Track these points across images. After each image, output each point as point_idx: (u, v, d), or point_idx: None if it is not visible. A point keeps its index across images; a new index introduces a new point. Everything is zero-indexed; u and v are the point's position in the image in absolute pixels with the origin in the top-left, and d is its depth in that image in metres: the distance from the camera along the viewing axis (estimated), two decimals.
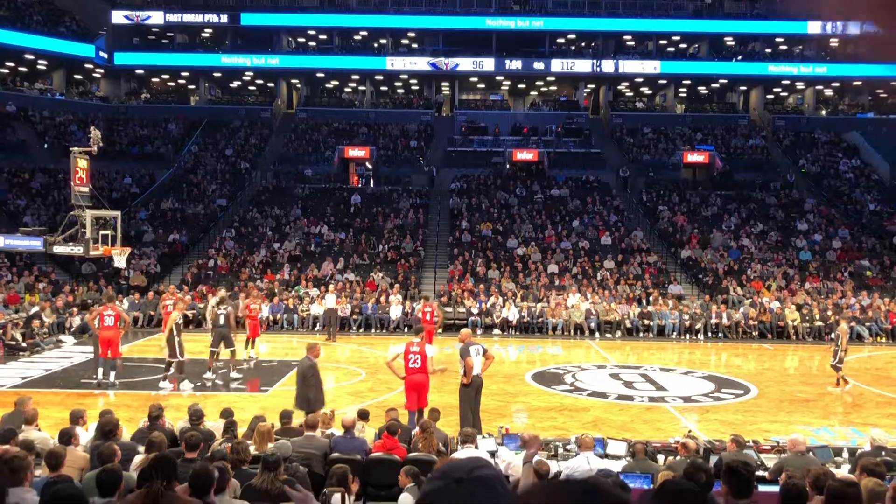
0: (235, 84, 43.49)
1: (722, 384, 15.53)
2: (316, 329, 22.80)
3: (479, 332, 22.88)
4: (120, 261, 15.35)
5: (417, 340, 10.51)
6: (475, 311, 23.37)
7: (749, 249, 28.84)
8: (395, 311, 23.17)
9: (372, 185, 35.90)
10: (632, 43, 42.13)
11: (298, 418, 8.74)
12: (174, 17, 40.28)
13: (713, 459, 7.34)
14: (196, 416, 7.96)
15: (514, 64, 40.52)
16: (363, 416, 8.55)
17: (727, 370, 17.79)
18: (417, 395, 10.31)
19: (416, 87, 43.43)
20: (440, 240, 30.21)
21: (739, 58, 41.25)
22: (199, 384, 14.21)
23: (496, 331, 23.11)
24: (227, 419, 8.18)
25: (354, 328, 23.06)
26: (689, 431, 9.66)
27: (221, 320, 14.78)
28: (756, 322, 23.15)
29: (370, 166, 37.88)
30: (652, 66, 40.64)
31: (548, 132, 39.65)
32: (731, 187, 34.40)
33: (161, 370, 14.99)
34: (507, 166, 36.73)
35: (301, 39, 42.56)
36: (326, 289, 22.82)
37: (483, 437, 8.31)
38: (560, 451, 8.28)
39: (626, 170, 35.49)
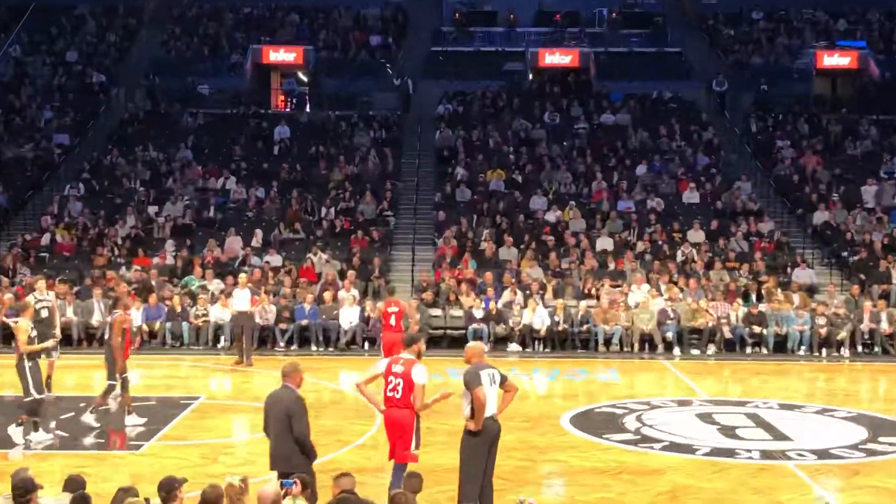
0: None
1: (879, 429, 15.57)
2: (220, 345, 22.69)
3: (486, 346, 22.82)
4: None
5: (405, 357, 10.64)
6: (479, 314, 23.34)
7: None
8: (349, 316, 23.09)
9: (308, 110, 35.63)
10: None
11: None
12: None
13: None
14: (23, 488, 7.92)
15: None
16: (303, 485, 8.49)
17: (888, 407, 17.74)
18: (397, 439, 10.47)
19: None
20: (421, 199, 30.07)
21: None
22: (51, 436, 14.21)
23: (513, 345, 23.12)
24: (74, 493, 8.13)
25: (282, 343, 23.00)
26: None
27: (106, 333, 14.93)
28: None
29: (305, 78, 37.65)
30: None
31: (595, 21, 39.40)
32: None
33: None
34: (530, 77, 36.52)
35: None
36: (235, 281, 22.71)
37: None
38: None
39: (724, 81, 35.38)
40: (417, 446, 10.52)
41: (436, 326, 23.55)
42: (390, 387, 10.43)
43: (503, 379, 10.40)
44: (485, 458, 10.20)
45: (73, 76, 36.06)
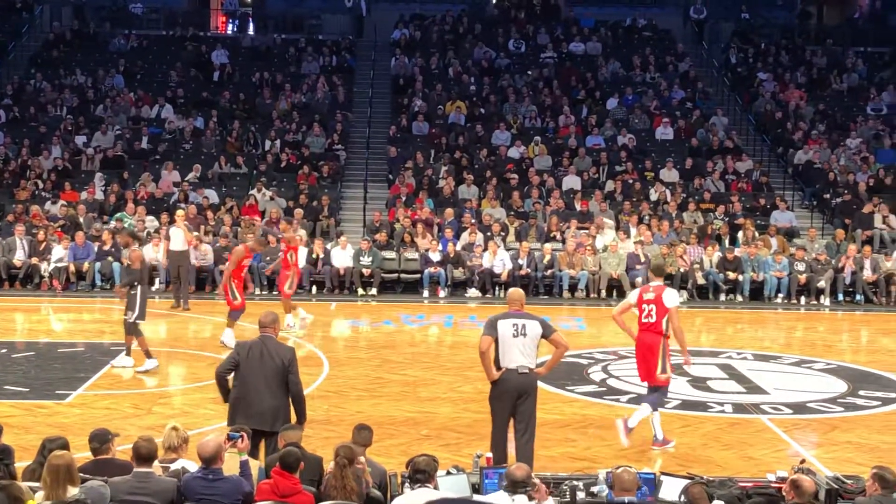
0: None
1: (860, 381, 15.74)
2: (155, 288, 22.45)
3: (442, 292, 23.04)
4: None
5: (654, 284, 12.08)
6: (436, 256, 23.41)
7: None
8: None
9: (252, 33, 35.20)
10: None
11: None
12: None
13: None
14: None
15: None
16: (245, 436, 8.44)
17: (870, 358, 17.94)
18: (645, 364, 11.93)
19: None
20: (374, 132, 29.97)
21: None
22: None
23: (472, 290, 23.25)
24: None
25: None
26: (803, 462, 9.57)
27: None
28: None
29: None
30: None
31: None
32: (887, 40, 34.45)
33: None
34: (494, 0, 36.32)
35: None
36: (171, 218, 22.60)
37: (450, 471, 8.41)
38: (580, 496, 8.32)
39: (702, 8, 35.37)
40: (664, 371, 11.75)
41: (389, 270, 23.63)
42: (644, 313, 11.79)
43: (546, 328, 10.18)
44: (505, 411, 10.12)
45: None
